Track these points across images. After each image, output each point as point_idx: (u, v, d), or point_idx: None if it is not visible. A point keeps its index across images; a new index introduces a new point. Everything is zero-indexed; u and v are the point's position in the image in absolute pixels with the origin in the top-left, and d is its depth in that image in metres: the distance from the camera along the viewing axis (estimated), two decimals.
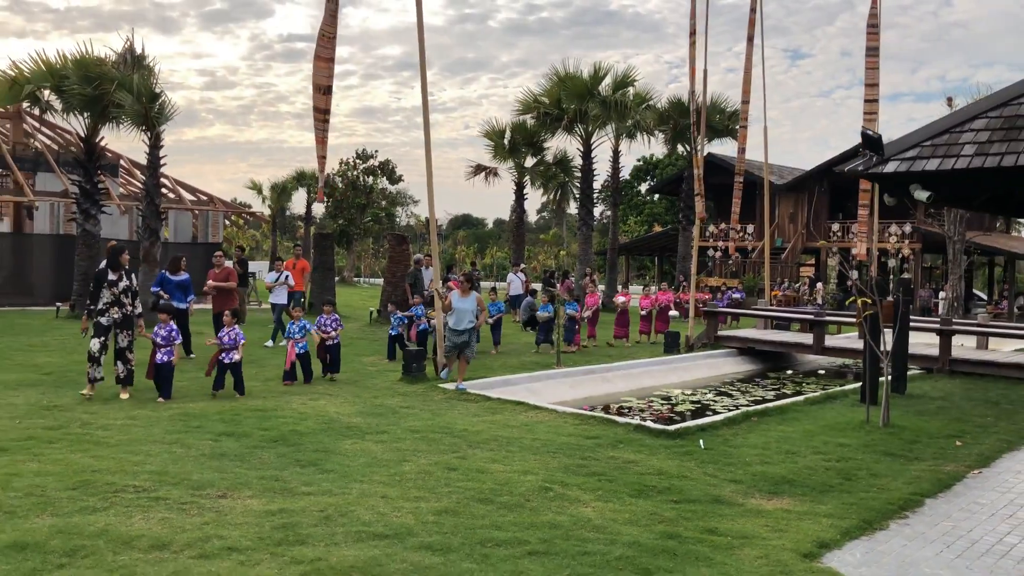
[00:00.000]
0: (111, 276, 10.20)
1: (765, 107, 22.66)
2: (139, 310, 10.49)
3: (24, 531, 5.32)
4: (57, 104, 19.47)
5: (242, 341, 10.82)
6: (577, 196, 29.77)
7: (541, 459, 7.93)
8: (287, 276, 16.30)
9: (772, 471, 7.87)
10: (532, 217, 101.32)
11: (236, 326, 10.94)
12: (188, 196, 27.95)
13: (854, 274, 12.74)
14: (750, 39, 23.46)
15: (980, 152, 5.34)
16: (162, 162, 18.81)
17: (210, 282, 14.32)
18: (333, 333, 12.49)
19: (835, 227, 39.32)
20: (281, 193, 55.79)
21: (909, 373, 15.02)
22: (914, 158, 5.62)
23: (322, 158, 12.72)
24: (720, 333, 18.89)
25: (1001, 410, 11.64)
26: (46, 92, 19.33)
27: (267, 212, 54.61)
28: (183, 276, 13.37)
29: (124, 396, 10.12)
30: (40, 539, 5.17)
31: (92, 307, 10.16)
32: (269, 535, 5.45)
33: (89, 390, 10.05)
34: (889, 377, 10.83)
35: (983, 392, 13.14)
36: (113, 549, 5.10)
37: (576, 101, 26.53)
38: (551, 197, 32.85)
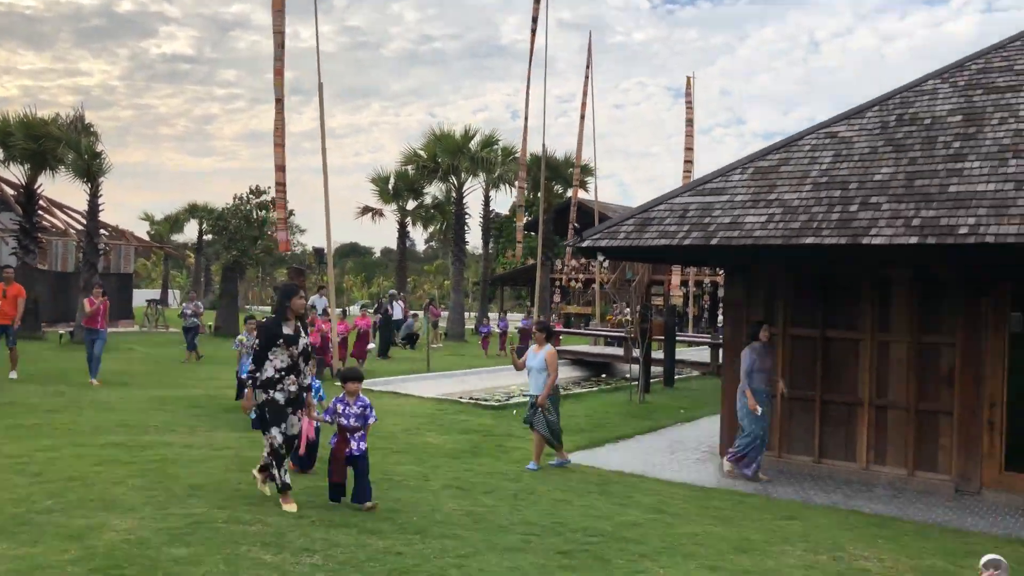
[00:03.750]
0: (285, 330, 6.91)
1: (595, 154, 28.14)
2: (310, 381, 7.22)
3: None
4: None
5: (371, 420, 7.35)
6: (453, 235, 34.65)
7: (405, 419, 12.50)
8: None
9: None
10: (420, 247, 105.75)
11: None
12: (103, 231, 31.05)
13: (625, 308, 17.84)
14: (583, 106, 29.15)
15: (626, 237, 10.36)
16: (100, 208, 22.44)
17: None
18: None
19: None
20: (173, 224, 58.31)
21: (689, 374, 20.45)
22: (597, 239, 10.61)
23: (283, 219, 17.13)
24: (560, 348, 23.95)
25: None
26: None
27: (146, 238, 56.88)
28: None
29: (289, 507, 6.74)
30: None
31: (257, 374, 6.86)
32: None
33: (287, 503, 6.78)
34: (638, 376, 15.97)
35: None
36: None
37: (449, 156, 31.45)
38: (438, 228, 37.60)
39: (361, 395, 7.24)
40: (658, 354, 18.92)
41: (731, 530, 7.23)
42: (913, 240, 8.40)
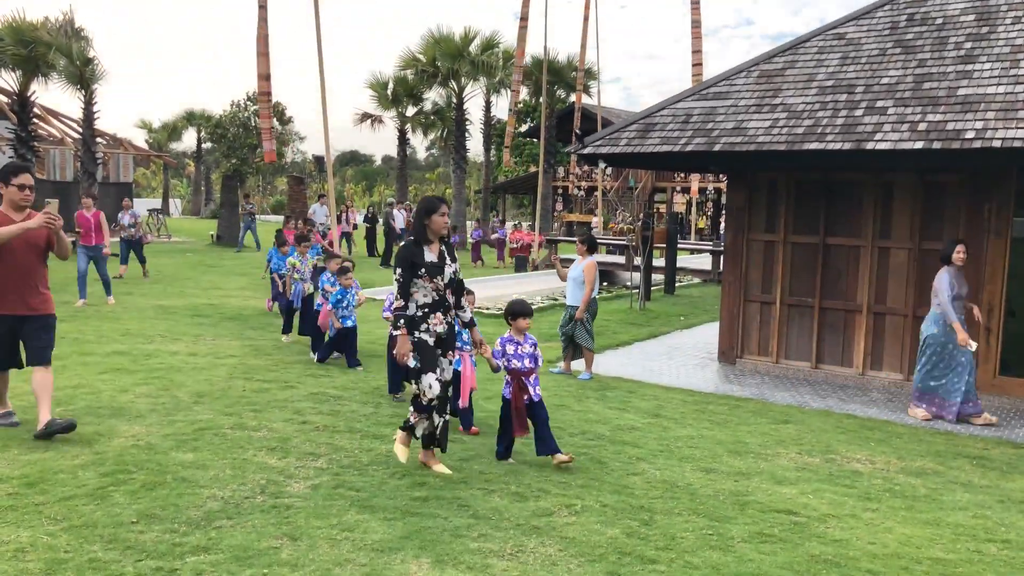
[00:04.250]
0: (427, 256, 5.67)
1: (599, 58, 27.51)
2: (469, 315, 6.09)
3: None
4: None
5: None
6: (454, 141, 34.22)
7: None
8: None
9: (555, 332, 12.83)
10: (421, 154, 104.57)
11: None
12: (100, 140, 30.70)
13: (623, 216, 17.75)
14: (586, 7, 28.32)
15: (628, 144, 10.21)
16: (96, 116, 22.09)
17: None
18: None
19: None
20: (171, 132, 57.58)
21: (690, 282, 20.54)
22: (598, 145, 10.46)
23: (267, 129, 16.84)
24: (561, 257, 23.99)
25: None
26: None
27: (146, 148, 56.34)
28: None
29: (440, 469, 5.68)
30: None
31: (404, 312, 5.64)
32: None
33: (436, 463, 5.73)
34: (639, 283, 16.03)
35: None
36: None
37: (449, 60, 30.73)
38: (439, 135, 37.15)
39: (528, 333, 6.27)
40: (659, 262, 18.98)
41: (726, 433, 7.38)
42: (918, 145, 8.28)
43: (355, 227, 27.84)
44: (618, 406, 8.26)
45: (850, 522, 5.10)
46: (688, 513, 5.08)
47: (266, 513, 4.69)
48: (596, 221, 35.12)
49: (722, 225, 41.56)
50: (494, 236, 25.09)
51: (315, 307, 10.09)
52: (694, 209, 39.43)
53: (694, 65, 27.12)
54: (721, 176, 42.72)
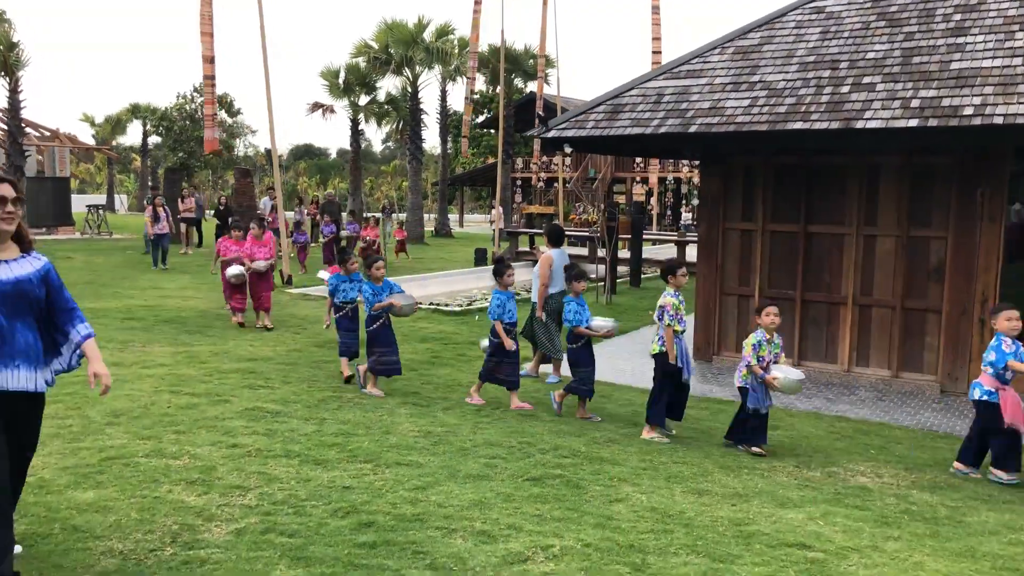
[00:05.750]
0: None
1: (557, 46, 26.71)
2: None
3: None
4: None
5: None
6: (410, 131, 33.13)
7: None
8: None
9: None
10: (377, 147, 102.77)
11: None
12: (33, 132, 29.09)
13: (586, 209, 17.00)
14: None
15: (596, 126, 9.41)
16: (22, 105, 20.68)
17: None
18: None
19: (638, 159, 44.59)
20: (115, 126, 55.52)
21: (655, 273, 19.82)
22: (563, 128, 9.65)
23: (210, 116, 15.68)
24: (520, 250, 23.16)
25: (693, 294, 16.43)
26: None
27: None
28: None
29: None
30: None
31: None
32: None
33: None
34: (604, 276, 15.29)
35: (694, 284, 17.98)
36: None
37: (402, 48, 29.66)
38: (394, 127, 36.01)
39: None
40: (622, 253, 18.26)
41: (713, 445, 6.64)
42: (913, 123, 7.61)
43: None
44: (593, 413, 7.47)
45: (873, 556, 4.37)
46: (686, 552, 4.30)
47: (174, 572, 3.80)
48: (553, 210, 34.43)
49: (683, 216, 41.16)
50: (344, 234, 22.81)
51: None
52: (654, 200, 38.92)
53: (654, 52, 26.54)
54: (682, 165, 42.33)
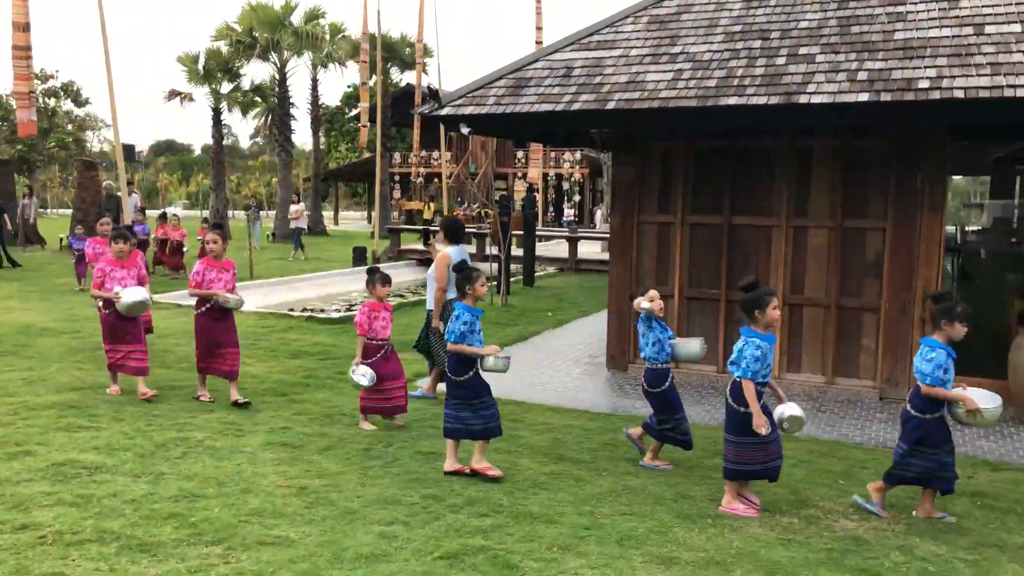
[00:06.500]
0: None
1: (437, 33, 25.33)
2: None
3: None
4: None
5: None
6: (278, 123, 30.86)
7: None
8: None
9: (397, 339, 10.54)
10: (245, 143, 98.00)
11: None
12: None
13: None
14: None
15: (497, 103, 8.11)
16: None
17: None
18: None
19: (519, 154, 43.67)
20: None
21: (546, 270, 18.76)
22: (459, 105, 8.29)
23: (29, 93, 13.27)
24: (403, 248, 21.61)
25: (591, 293, 15.43)
26: None
27: None
28: None
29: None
30: None
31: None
32: None
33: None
34: (498, 276, 14.03)
35: (590, 283, 17.01)
36: None
37: (268, 30, 27.44)
38: (263, 121, 33.52)
39: None
40: (514, 251, 17.05)
41: (658, 482, 5.45)
42: (864, 97, 6.66)
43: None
44: (508, 446, 6.13)
45: None
46: None
47: None
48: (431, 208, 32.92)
49: (566, 212, 40.51)
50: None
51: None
52: (538, 195, 38.06)
53: (537, 43, 25.58)
54: (564, 161, 41.67)
